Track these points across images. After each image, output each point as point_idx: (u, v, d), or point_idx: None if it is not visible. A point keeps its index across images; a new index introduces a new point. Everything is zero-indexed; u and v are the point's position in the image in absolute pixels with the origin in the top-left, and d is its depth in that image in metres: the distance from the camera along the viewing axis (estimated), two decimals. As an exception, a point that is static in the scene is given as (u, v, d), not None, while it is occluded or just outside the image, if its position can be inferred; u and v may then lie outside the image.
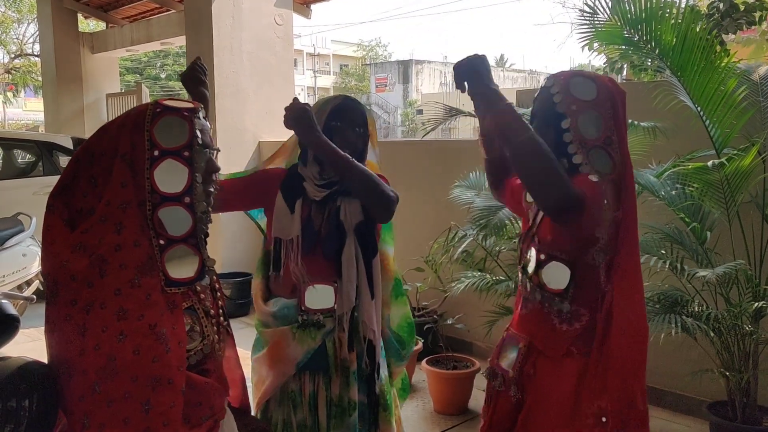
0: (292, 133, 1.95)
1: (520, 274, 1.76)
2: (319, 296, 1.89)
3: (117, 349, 1.20)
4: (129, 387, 1.19)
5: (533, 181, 1.52)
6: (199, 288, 1.38)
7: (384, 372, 2.02)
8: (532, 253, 1.68)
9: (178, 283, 1.31)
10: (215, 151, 1.41)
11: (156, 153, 1.29)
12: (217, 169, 1.40)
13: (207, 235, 1.44)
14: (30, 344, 4.41)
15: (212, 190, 1.40)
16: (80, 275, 1.22)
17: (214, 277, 1.49)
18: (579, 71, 1.69)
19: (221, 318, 1.46)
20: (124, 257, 1.23)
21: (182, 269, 1.31)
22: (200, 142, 1.34)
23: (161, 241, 1.30)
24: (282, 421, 1.92)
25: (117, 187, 1.26)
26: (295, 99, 1.90)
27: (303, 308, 1.89)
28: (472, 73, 1.57)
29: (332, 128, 1.91)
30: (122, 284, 1.22)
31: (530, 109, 1.76)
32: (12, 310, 1.46)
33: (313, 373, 1.91)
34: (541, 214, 1.68)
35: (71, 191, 1.31)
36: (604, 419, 1.49)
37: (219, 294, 1.50)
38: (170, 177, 1.29)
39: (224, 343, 1.46)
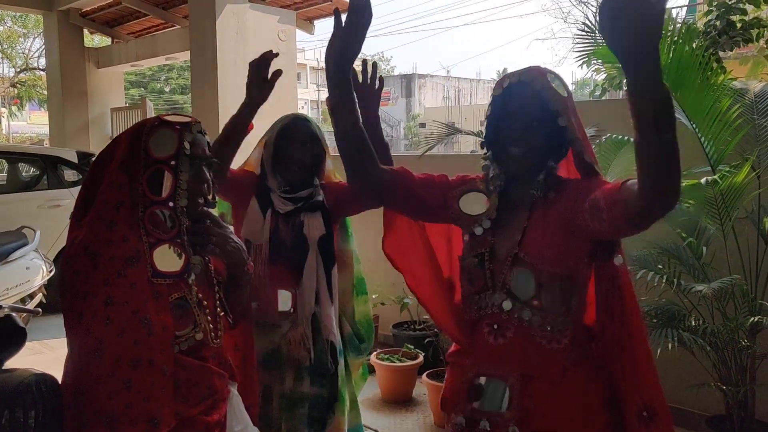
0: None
1: (490, 300, 1.49)
2: (280, 300, 2.08)
3: (104, 332, 1.31)
4: (113, 366, 1.30)
5: (672, 182, 1.18)
6: (191, 281, 1.48)
7: (341, 367, 2.19)
8: (525, 275, 1.46)
9: (164, 275, 1.42)
10: (209, 163, 1.52)
11: (148, 161, 1.44)
12: (206, 180, 1.51)
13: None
14: (33, 357, 4.43)
15: (201, 200, 1.51)
16: (82, 269, 1.35)
17: (212, 272, 1.59)
18: (537, 67, 1.49)
19: (218, 309, 1.56)
20: (113, 251, 1.37)
21: (169, 264, 1.43)
22: (187, 153, 1.46)
23: (151, 240, 1.43)
24: None
25: (114, 189, 1.41)
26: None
27: (260, 311, 2.05)
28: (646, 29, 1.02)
29: (279, 147, 2.10)
30: (110, 275, 1.35)
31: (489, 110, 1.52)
32: (21, 323, 1.51)
33: (268, 370, 2.08)
34: (522, 226, 1.48)
35: (84, 191, 1.47)
36: (645, 413, 1.44)
37: (217, 288, 1.59)
38: (158, 183, 1.44)
39: (222, 332, 1.56)
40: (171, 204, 1.44)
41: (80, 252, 1.37)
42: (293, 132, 2.11)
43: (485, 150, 1.53)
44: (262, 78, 1.94)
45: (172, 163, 1.44)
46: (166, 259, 1.43)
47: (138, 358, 1.32)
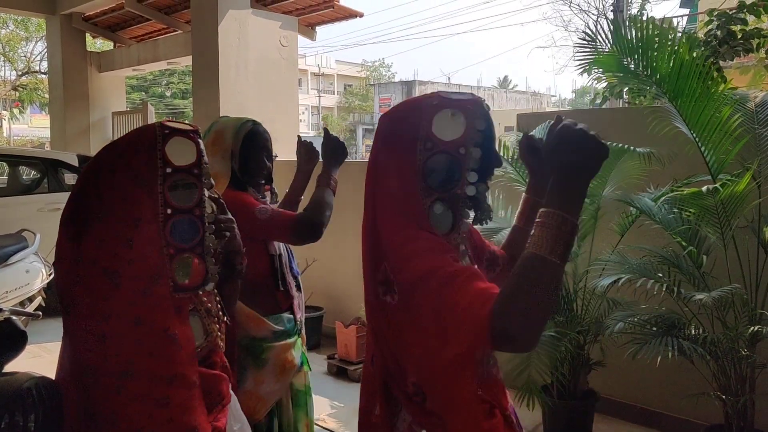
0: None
1: None
2: (299, 304, 2.17)
3: (135, 353, 1.31)
4: (148, 386, 1.30)
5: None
6: (201, 292, 1.48)
7: None
8: None
9: (184, 289, 1.41)
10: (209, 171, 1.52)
11: (169, 170, 1.40)
12: (213, 186, 1.51)
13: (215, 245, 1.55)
14: (31, 360, 4.41)
15: (213, 207, 1.52)
16: (98, 289, 1.32)
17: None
18: None
19: (220, 313, 1.58)
20: (135, 270, 1.34)
21: (188, 277, 1.41)
22: (206, 161, 1.45)
23: (171, 250, 1.39)
24: (290, 419, 2.14)
25: (129, 204, 1.36)
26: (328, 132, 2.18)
27: (297, 318, 2.15)
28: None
29: (248, 156, 2.06)
30: (135, 295, 1.33)
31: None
32: (22, 326, 1.51)
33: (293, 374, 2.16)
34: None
35: (79, 205, 1.41)
36: None
37: (215, 292, 1.60)
38: (183, 192, 1.40)
39: (224, 335, 1.58)
40: (198, 212, 1.43)
41: (95, 272, 1.33)
42: (260, 140, 2.09)
43: (481, 179, 1.34)
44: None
45: (196, 171, 1.43)
46: (185, 270, 1.41)
47: (172, 374, 1.33)
